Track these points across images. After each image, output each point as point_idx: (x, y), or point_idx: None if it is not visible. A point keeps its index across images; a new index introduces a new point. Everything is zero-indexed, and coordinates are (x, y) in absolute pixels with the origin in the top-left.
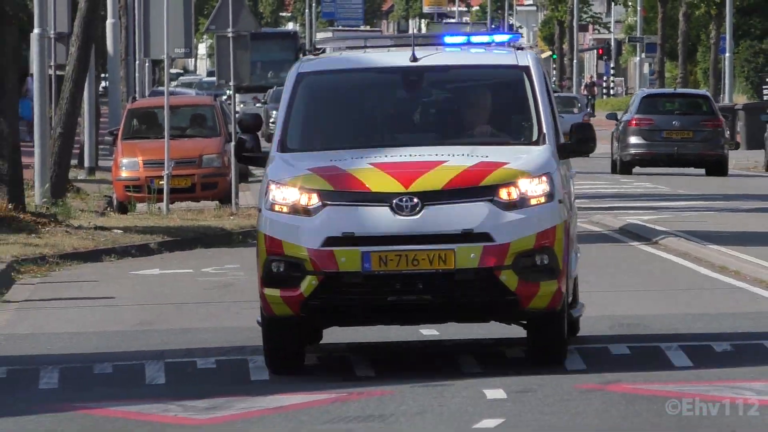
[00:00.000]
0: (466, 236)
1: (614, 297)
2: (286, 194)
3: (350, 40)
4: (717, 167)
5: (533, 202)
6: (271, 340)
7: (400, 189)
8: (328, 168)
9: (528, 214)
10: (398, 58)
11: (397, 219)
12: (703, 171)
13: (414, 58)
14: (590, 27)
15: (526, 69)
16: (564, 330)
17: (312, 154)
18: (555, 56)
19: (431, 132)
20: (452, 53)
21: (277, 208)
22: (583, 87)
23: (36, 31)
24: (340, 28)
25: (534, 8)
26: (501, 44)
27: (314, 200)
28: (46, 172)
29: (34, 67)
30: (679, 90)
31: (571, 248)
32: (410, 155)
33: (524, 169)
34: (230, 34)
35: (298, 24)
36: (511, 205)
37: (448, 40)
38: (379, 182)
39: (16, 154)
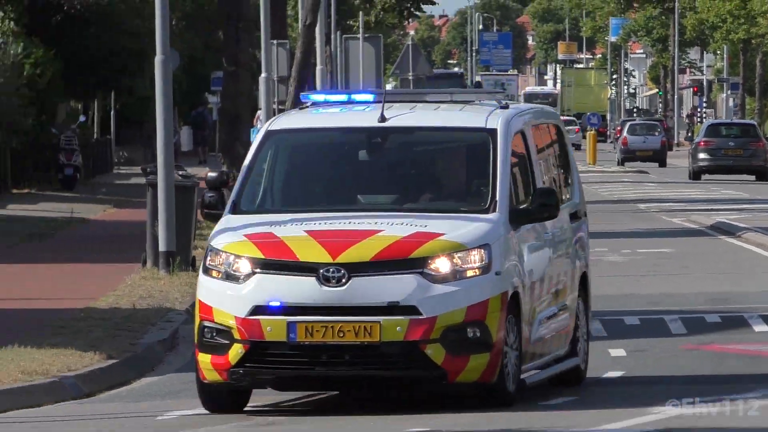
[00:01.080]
0: (392, 309)
1: (708, 278)
2: (220, 260)
3: (334, 95)
4: (762, 175)
5: (468, 274)
6: (206, 402)
7: (328, 259)
8: (263, 234)
9: (459, 287)
10: (368, 117)
11: (324, 290)
12: (753, 177)
13: (382, 119)
14: (687, 70)
15: (492, 132)
16: (506, 396)
17: (257, 217)
18: (660, 93)
19: (382, 197)
20: (424, 112)
21: (213, 273)
22: (685, 116)
23: (263, 75)
24: (494, 72)
25: (644, 55)
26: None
27: (245, 267)
28: None
29: (262, 103)
30: (734, 120)
31: (533, 314)
32: (349, 222)
33: (459, 241)
34: (410, 77)
35: (462, 68)
36: (441, 278)
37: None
38: (308, 252)
39: None
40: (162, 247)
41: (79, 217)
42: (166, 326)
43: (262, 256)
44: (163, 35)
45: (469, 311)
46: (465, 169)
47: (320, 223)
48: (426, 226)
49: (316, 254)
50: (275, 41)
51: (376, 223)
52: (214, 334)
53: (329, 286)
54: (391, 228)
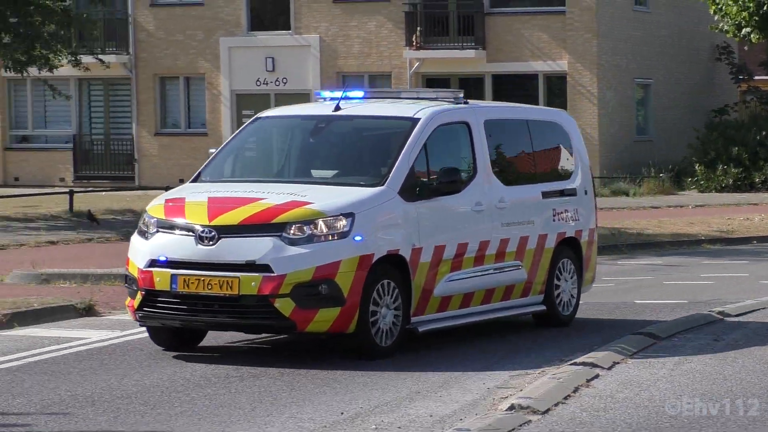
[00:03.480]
0: (250, 266)
1: None
2: (143, 220)
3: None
4: None
5: (324, 238)
6: (153, 339)
7: (205, 221)
8: (176, 199)
9: (311, 249)
10: (329, 108)
11: (198, 248)
12: None
13: (337, 108)
14: None
15: (415, 121)
16: (373, 346)
17: (202, 185)
18: None
19: (300, 171)
20: (374, 104)
21: (139, 231)
22: None
23: None
24: None
25: None
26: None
27: (152, 227)
28: None
29: None
30: None
31: (435, 272)
32: (246, 191)
33: (320, 209)
34: None
35: None
36: (296, 241)
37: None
38: (194, 214)
39: None
40: None
41: None
42: None
43: (163, 217)
44: None
45: (318, 270)
46: (377, 149)
47: (225, 191)
48: (304, 195)
49: (199, 217)
50: None
51: (266, 192)
52: (129, 281)
53: (203, 245)
54: (273, 197)
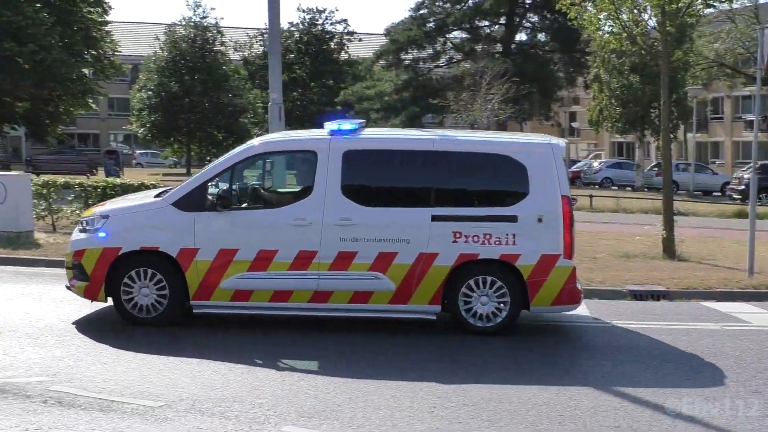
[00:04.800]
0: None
1: None
2: None
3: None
4: None
5: (87, 232)
6: None
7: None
8: None
9: (79, 238)
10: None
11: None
12: None
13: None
14: None
15: (247, 149)
16: (124, 313)
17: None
18: None
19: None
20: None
21: None
22: None
23: None
24: None
25: None
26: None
27: None
28: None
29: None
30: None
31: (222, 270)
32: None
33: (95, 211)
34: None
35: None
36: (81, 231)
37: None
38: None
39: None
40: None
41: None
42: None
43: None
44: None
45: (75, 254)
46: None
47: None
48: (121, 202)
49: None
50: None
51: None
52: None
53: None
54: (123, 202)
